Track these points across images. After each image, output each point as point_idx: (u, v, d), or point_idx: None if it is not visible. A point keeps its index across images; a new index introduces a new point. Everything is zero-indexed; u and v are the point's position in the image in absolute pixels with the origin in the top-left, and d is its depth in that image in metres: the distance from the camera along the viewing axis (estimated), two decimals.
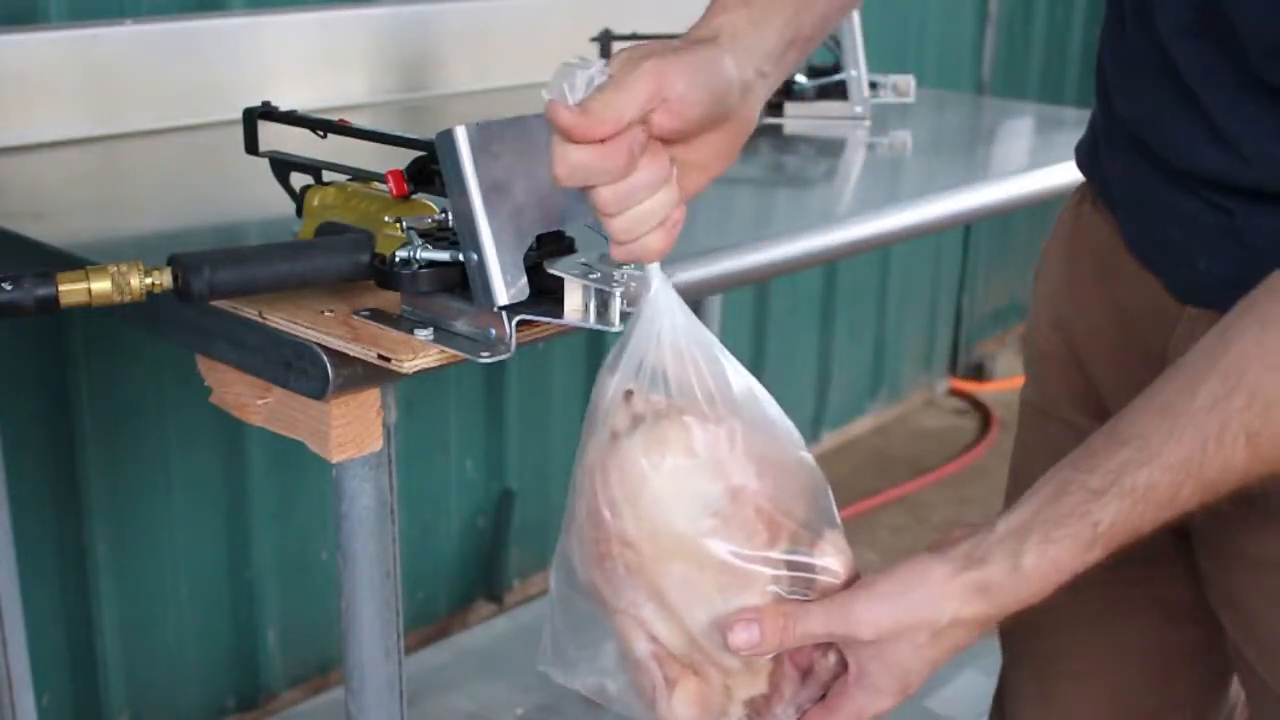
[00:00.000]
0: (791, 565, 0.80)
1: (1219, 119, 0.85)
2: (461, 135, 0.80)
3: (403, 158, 0.96)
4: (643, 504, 0.77)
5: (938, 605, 0.77)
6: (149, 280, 0.82)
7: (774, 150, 1.65)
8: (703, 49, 0.81)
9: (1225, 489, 0.75)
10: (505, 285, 0.83)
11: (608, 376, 0.80)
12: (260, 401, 0.96)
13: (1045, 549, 0.76)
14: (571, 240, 0.89)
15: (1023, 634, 1.14)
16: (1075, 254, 1.06)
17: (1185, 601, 1.05)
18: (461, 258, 0.84)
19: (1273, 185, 0.83)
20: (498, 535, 2.39)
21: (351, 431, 0.92)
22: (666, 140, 0.79)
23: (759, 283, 2.65)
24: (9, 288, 0.78)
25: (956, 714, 2.03)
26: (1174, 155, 0.90)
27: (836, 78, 1.74)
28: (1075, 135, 1.07)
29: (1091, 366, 1.04)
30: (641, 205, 0.77)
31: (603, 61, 0.77)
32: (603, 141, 0.74)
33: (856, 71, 1.73)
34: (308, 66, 1.71)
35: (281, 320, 0.90)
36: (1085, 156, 1.05)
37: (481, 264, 0.82)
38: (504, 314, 0.84)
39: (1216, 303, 0.83)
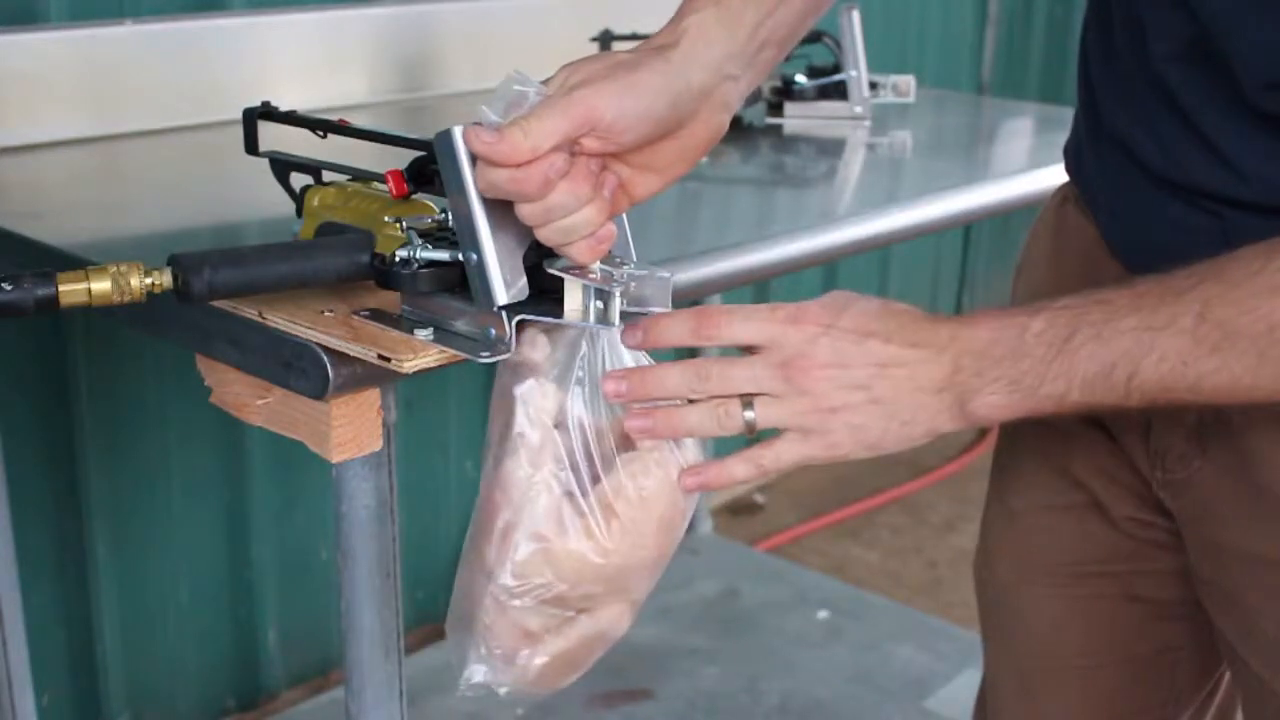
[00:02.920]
0: None
1: (1216, 140, 0.86)
2: (459, 135, 0.80)
3: (403, 158, 0.96)
4: None
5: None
6: (149, 280, 0.82)
7: (774, 150, 1.65)
8: (652, 64, 0.82)
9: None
10: (504, 285, 0.83)
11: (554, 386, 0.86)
12: (260, 401, 0.96)
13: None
14: None
15: (1005, 631, 1.15)
16: (1059, 253, 1.06)
17: (1172, 599, 1.05)
18: (461, 258, 0.84)
19: (1272, 201, 0.84)
20: None
21: (351, 431, 0.92)
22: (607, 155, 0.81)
23: (759, 283, 2.65)
24: (9, 288, 0.78)
25: (956, 715, 2.03)
26: (1167, 168, 0.90)
27: (836, 78, 1.74)
28: None
29: None
30: (563, 220, 0.80)
31: (540, 84, 0.79)
32: (518, 166, 0.77)
33: (856, 71, 1.73)
34: (308, 66, 1.71)
35: (281, 320, 0.90)
36: (1071, 158, 1.05)
37: (480, 264, 0.82)
38: (504, 314, 0.83)
39: None
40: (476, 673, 0.88)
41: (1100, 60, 0.97)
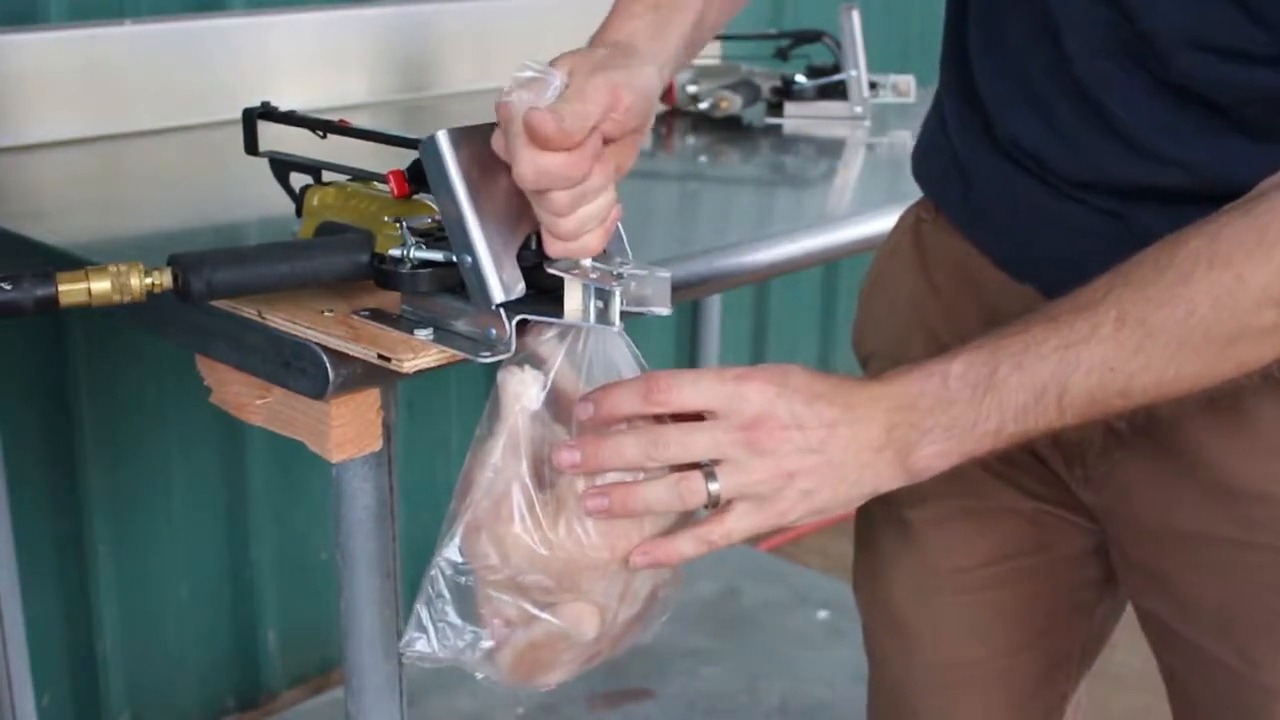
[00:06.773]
0: None
1: (1131, 129, 0.86)
2: (444, 140, 0.81)
3: (402, 158, 0.96)
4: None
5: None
6: (149, 280, 0.82)
7: (774, 150, 1.65)
8: (634, 59, 0.85)
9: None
10: (500, 284, 0.83)
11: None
12: (260, 401, 0.96)
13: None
14: None
15: (910, 647, 1.13)
16: (928, 268, 1.06)
17: (1088, 579, 1.07)
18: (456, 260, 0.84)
19: (1182, 183, 0.85)
20: None
21: (351, 431, 0.92)
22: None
23: (759, 283, 2.65)
24: (9, 288, 0.78)
25: None
26: (1075, 165, 0.91)
27: (836, 78, 1.74)
28: None
29: None
30: (590, 206, 0.80)
31: (561, 73, 0.80)
32: (569, 149, 0.77)
33: (856, 71, 1.73)
34: (308, 66, 1.71)
35: (281, 320, 0.90)
36: (935, 181, 1.06)
37: (475, 265, 0.82)
38: (504, 313, 0.84)
39: None
40: (416, 641, 0.88)
41: (989, 65, 0.96)
